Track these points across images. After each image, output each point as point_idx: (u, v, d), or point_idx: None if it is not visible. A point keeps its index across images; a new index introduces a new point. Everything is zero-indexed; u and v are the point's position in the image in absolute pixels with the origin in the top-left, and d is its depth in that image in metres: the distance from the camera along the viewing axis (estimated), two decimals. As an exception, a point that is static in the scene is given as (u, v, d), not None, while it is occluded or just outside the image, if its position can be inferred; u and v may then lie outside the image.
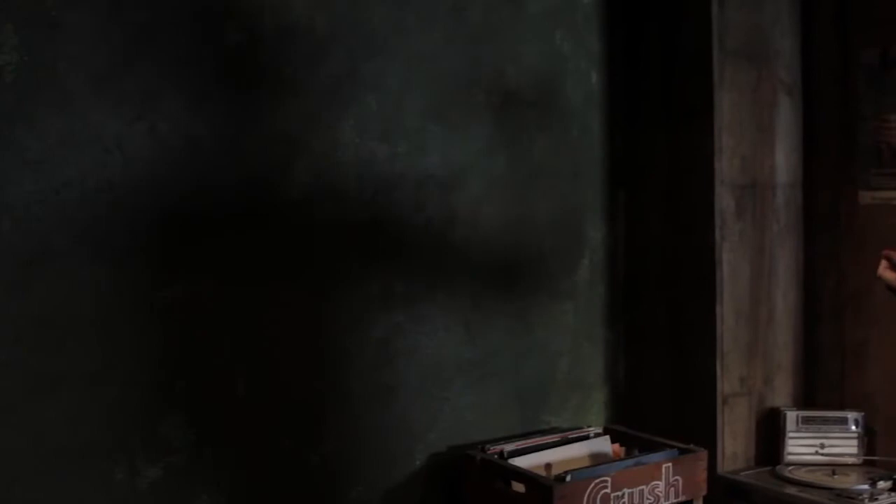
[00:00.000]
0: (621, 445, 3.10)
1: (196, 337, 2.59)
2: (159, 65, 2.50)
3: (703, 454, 2.93)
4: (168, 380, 2.55)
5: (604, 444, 3.09)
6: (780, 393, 3.30)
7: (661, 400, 3.31)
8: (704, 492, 2.93)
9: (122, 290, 2.47)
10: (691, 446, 2.94)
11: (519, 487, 2.75)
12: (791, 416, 3.17)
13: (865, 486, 2.83)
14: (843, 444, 3.13)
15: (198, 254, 2.59)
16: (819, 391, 3.34)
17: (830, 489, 2.90)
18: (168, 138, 2.52)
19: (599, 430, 3.19)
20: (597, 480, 2.68)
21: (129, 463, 2.50)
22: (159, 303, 2.53)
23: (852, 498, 2.80)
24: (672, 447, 2.93)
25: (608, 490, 2.70)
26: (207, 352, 2.61)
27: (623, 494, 2.73)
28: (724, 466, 3.15)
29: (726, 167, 3.13)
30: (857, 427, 3.12)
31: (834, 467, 3.08)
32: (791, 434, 3.16)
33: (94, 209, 2.42)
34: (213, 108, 2.59)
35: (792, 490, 2.96)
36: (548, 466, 2.87)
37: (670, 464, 2.85)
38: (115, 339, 2.47)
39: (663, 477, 2.83)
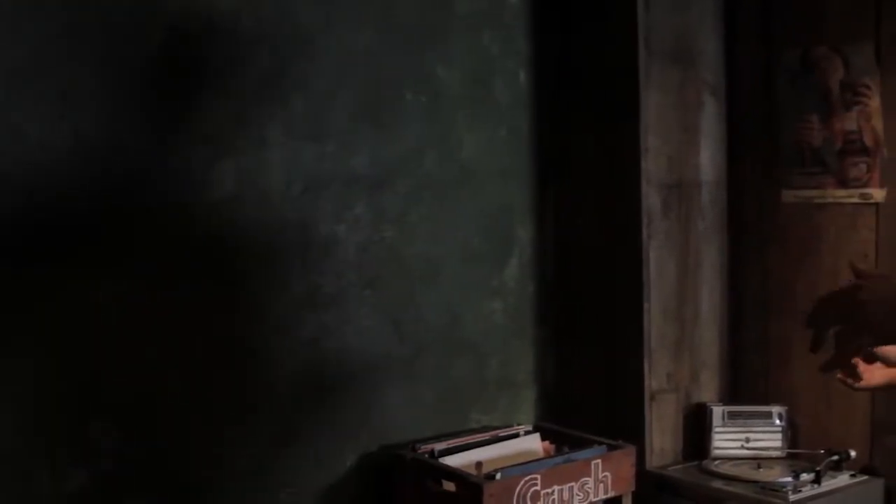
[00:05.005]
0: (551, 443, 3.12)
1: (122, 338, 2.55)
2: (82, 64, 2.46)
3: (632, 450, 2.97)
4: (94, 382, 2.51)
5: (534, 442, 3.10)
6: (707, 389, 3.35)
7: (590, 397, 3.34)
8: (633, 487, 2.96)
9: (44, 291, 2.43)
10: (620, 442, 2.97)
11: (450, 486, 2.75)
12: (717, 411, 3.22)
13: (789, 479, 2.88)
14: (768, 438, 3.18)
15: (123, 254, 2.55)
16: (744, 387, 3.39)
17: (755, 482, 2.94)
18: (91, 138, 2.48)
19: (529, 428, 3.21)
20: (527, 478, 2.70)
21: (54, 468, 2.46)
22: (84, 304, 2.48)
23: (776, 490, 2.84)
24: (601, 444, 2.95)
25: (538, 487, 2.71)
26: (134, 354, 2.57)
27: (553, 491, 2.75)
28: (653, 462, 3.19)
29: (653, 166, 3.17)
30: (780, 421, 3.17)
31: (759, 461, 3.13)
32: (717, 429, 3.20)
33: (14, 210, 2.37)
34: (138, 108, 2.56)
35: (718, 484, 3.00)
36: (478, 465, 2.87)
37: (599, 460, 2.87)
38: (38, 340, 2.42)
39: (592, 473, 2.85)
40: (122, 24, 2.51)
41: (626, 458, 2.94)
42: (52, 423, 2.46)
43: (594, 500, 2.85)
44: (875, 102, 2.98)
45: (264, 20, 2.75)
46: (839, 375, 2.24)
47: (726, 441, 3.20)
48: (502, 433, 3.13)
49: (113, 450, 2.54)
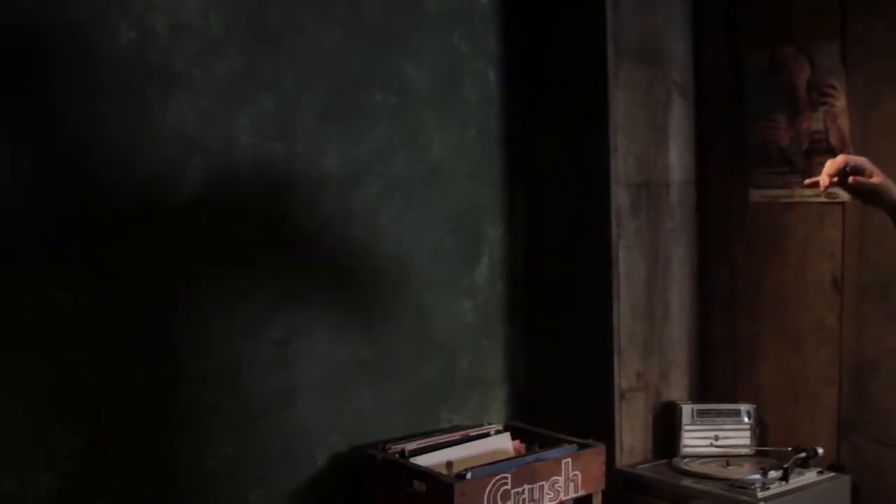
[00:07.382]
0: (522, 442, 3.13)
1: (89, 339, 2.53)
2: (49, 63, 2.44)
3: (602, 449, 2.97)
4: (61, 383, 2.49)
5: (504, 442, 3.11)
6: (676, 387, 3.37)
7: (560, 396, 3.35)
8: (603, 486, 2.97)
9: (10, 291, 2.40)
10: (590, 441, 2.98)
11: (420, 486, 2.75)
12: (686, 409, 3.23)
13: (757, 476, 2.90)
14: (737, 436, 3.20)
15: (90, 254, 2.53)
16: (713, 385, 3.41)
17: (724, 480, 2.96)
18: (57, 137, 2.46)
19: (500, 428, 3.22)
20: (497, 477, 2.70)
21: (20, 472, 2.43)
22: (50, 304, 2.46)
23: (745, 487, 2.86)
24: (571, 443, 2.96)
25: (508, 486, 2.71)
26: (101, 354, 2.55)
27: (523, 490, 2.75)
28: (623, 460, 3.20)
29: (622, 166, 3.18)
30: (749, 419, 3.20)
31: (728, 458, 3.15)
32: (686, 427, 3.22)
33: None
34: (105, 108, 2.53)
35: (688, 482, 3.02)
36: (449, 464, 2.87)
37: (569, 459, 2.88)
38: (2, 343, 2.40)
39: (563, 472, 2.86)
40: (88, 24, 2.49)
41: (595, 457, 2.95)
42: (18, 425, 2.43)
43: (564, 498, 2.86)
44: (841, 102, 3.01)
45: (233, 20, 2.73)
46: (807, 182, 2.25)
47: (695, 439, 3.22)
48: (473, 433, 3.13)
49: (79, 452, 2.52)
